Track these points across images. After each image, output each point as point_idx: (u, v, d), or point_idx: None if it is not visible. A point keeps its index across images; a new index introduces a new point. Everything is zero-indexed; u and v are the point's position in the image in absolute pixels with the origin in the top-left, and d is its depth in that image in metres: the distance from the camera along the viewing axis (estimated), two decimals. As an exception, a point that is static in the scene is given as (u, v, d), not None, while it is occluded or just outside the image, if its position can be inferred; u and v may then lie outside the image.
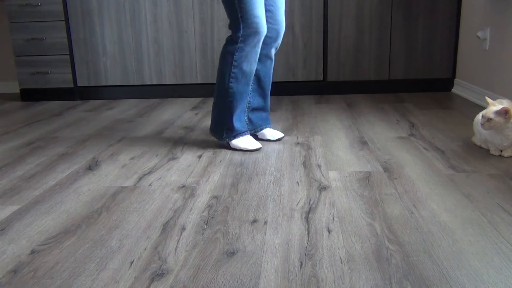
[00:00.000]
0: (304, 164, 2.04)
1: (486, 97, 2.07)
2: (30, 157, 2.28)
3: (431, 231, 1.40)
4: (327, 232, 1.42)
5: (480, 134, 2.11)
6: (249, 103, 2.37)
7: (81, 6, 3.58)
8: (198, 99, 3.62)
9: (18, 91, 4.23)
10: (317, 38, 3.53)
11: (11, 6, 3.58)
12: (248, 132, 2.29)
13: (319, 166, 2.00)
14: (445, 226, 1.43)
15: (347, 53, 3.55)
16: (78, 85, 3.73)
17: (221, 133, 2.25)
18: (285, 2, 3.48)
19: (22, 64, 3.69)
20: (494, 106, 1.99)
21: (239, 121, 2.23)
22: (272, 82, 3.62)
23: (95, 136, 2.62)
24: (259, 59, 2.24)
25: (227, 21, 3.53)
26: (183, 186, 1.83)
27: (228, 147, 2.30)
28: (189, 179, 1.90)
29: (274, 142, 2.37)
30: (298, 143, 2.34)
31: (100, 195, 1.77)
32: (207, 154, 2.23)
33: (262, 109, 2.39)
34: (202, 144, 2.39)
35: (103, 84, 3.71)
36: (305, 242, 1.36)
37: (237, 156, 2.18)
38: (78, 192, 1.82)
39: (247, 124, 2.37)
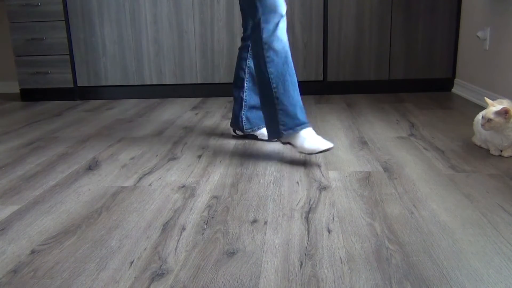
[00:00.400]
0: (304, 164, 2.04)
1: (486, 98, 2.07)
2: (30, 157, 2.28)
3: (431, 231, 1.40)
4: (327, 232, 1.42)
5: (480, 134, 2.11)
6: (245, 101, 2.36)
7: (81, 6, 3.58)
8: (198, 99, 3.61)
9: (18, 91, 4.23)
10: (317, 38, 3.53)
11: (11, 6, 3.58)
12: (309, 124, 2.05)
13: (319, 166, 2.00)
14: (445, 226, 1.43)
15: (347, 53, 3.55)
16: (78, 85, 3.73)
17: (276, 129, 2.05)
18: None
19: (22, 64, 3.69)
20: (494, 106, 2.00)
21: (296, 107, 2.01)
22: (272, 82, 3.62)
23: (95, 136, 2.62)
24: (252, 57, 2.16)
25: (227, 21, 3.53)
26: (183, 186, 1.83)
27: (286, 147, 2.27)
28: (189, 179, 1.90)
29: (274, 142, 2.37)
30: (298, 143, 2.34)
31: (100, 195, 1.77)
32: (207, 154, 2.23)
33: (259, 107, 2.37)
34: (202, 144, 2.39)
35: (103, 84, 3.71)
36: (305, 242, 1.36)
37: (237, 156, 2.18)
38: (78, 192, 1.82)
39: (244, 123, 2.37)
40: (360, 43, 3.53)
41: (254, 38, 2.06)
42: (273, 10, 2.01)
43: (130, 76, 3.67)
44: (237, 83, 2.36)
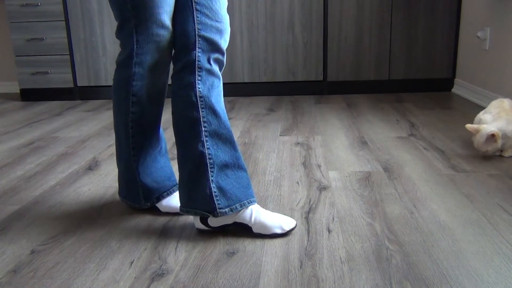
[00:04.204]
0: (304, 164, 2.04)
1: (467, 126, 2.00)
2: (30, 157, 2.28)
3: (431, 231, 1.40)
4: (327, 232, 1.42)
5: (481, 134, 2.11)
6: (160, 148, 1.59)
7: (81, 6, 3.58)
8: (198, 99, 3.61)
9: (18, 91, 4.23)
10: (317, 38, 3.53)
11: (11, 6, 3.58)
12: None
13: (319, 166, 2.00)
14: (445, 226, 1.43)
15: (347, 53, 3.55)
16: (78, 85, 3.73)
17: (211, 205, 1.38)
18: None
19: (22, 64, 3.69)
20: (478, 134, 1.97)
21: None
22: (272, 82, 3.62)
23: (95, 136, 2.62)
24: (177, 112, 1.40)
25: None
26: (183, 186, 1.83)
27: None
28: (189, 179, 1.90)
29: (274, 142, 2.37)
30: (298, 143, 2.34)
31: (100, 195, 1.77)
32: (207, 154, 2.23)
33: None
34: (202, 144, 2.38)
35: (103, 84, 3.70)
36: (305, 242, 1.36)
37: (237, 156, 2.18)
38: (78, 192, 1.82)
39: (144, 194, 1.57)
40: (360, 43, 3.53)
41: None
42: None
43: (130, 76, 3.67)
44: (124, 141, 1.53)
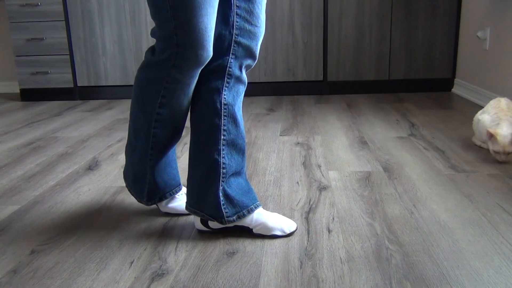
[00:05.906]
0: (304, 164, 2.04)
1: (488, 130, 1.96)
2: (30, 157, 2.28)
3: (431, 231, 1.40)
4: (327, 232, 1.42)
5: (481, 134, 2.11)
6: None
7: (81, 6, 3.58)
8: (198, 99, 3.61)
9: (18, 91, 4.23)
10: (317, 38, 3.53)
11: (11, 6, 3.58)
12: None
13: (319, 166, 2.00)
14: (445, 226, 1.43)
15: (347, 53, 3.55)
16: (78, 85, 3.73)
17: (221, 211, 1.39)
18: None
19: (22, 64, 3.69)
20: (494, 140, 1.94)
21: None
22: (272, 82, 3.62)
23: (95, 136, 2.62)
24: (200, 116, 1.37)
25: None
26: (184, 186, 1.83)
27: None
28: (189, 179, 1.90)
29: (274, 142, 2.37)
30: (298, 143, 2.34)
31: (100, 195, 1.77)
32: (207, 154, 2.22)
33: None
34: (202, 144, 2.38)
35: (103, 84, 3.70)
36: (305, 242, 1.36)
37: (237, 156, 2.18)
38: (78, 192, 1.82)
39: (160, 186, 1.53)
40: (360, 43, 3.53)
41: (206, 88, 1.34)
42: (250, 54, 1.35)
43: (130, 76, 3.67)
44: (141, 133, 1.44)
